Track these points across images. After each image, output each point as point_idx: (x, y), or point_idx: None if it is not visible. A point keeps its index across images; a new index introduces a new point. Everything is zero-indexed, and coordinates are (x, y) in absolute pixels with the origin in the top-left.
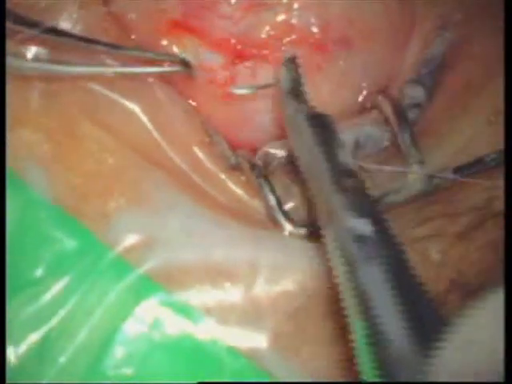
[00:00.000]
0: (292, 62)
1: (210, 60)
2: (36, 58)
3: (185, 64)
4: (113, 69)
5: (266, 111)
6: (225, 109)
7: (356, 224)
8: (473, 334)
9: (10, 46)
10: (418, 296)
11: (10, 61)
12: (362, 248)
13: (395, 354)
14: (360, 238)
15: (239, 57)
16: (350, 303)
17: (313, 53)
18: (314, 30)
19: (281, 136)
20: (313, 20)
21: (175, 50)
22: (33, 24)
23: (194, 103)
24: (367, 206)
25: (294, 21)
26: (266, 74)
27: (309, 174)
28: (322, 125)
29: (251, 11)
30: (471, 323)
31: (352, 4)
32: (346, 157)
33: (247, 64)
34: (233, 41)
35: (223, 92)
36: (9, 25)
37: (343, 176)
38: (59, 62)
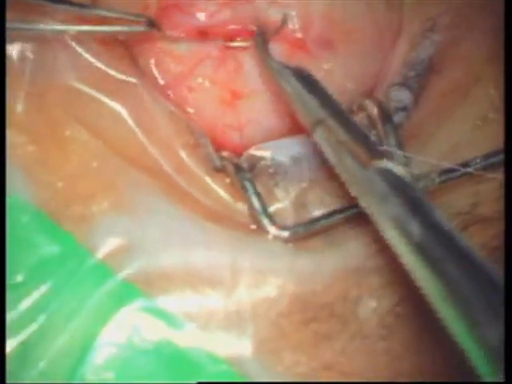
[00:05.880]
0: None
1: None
2: None
3: (150, 24)
4: (77, 27)
5: (250, 114)
6: (212, 112)
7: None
8: None
9: None
10: None
11: None
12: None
13: None
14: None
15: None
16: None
17: (294, 51)
18: (295, 28)
19: (266, 139)
20: (294, 19)
21: None
22: None
23: (191, 110)
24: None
25: (273, 18)
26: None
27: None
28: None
29: (228, 5)
30: None
31: (335, 4)
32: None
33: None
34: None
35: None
36: None
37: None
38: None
